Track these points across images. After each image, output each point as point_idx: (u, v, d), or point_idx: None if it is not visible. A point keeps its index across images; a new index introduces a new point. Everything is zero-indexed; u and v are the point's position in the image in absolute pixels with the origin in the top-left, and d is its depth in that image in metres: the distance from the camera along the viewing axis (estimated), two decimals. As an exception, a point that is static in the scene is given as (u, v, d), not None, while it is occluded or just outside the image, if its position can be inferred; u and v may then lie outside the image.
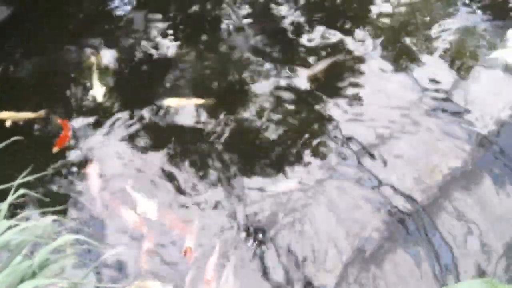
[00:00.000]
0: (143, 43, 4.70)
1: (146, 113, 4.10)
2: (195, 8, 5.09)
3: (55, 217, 2.08)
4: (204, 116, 4.07)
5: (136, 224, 3.36)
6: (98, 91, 4.24)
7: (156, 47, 4.66)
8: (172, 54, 4.59)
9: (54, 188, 3.62)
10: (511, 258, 3.21)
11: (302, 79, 4.35)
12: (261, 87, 4.30)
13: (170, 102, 4.17)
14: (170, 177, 3.66)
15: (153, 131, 3.99)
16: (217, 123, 4.02)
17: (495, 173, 3.67)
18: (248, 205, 3.49)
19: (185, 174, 3.68)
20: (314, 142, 3.87)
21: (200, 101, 4.15)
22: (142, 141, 3.91)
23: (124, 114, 4.09)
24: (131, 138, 3.93)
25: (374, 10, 5.05)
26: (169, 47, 4.65)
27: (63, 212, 3.38)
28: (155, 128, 4.01)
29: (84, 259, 3.07)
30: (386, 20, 4.93)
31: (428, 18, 4.90)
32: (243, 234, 3.32)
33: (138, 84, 4.41)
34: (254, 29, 4.85)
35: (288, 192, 3.55)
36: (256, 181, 3.64)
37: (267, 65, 4.49)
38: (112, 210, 3.46)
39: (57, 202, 3.07)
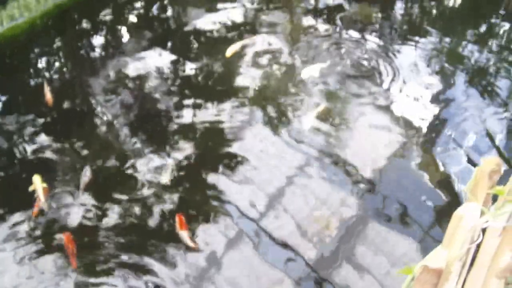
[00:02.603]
0: (18, 145, 4.66)
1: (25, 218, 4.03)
2: (66, 104, 5.16)
3: None
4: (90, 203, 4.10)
5: None
6: None
7: (31, 146, 4.63)
8: (49, 152, 4.57)
9: None
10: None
11: (181, 154, 4.49)
12: (142, 171, 4.36)
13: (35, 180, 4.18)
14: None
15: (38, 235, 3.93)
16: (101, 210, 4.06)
17: (383, 217, 3.93)
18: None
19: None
20: (205, 215, 3.99)
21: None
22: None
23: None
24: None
25: (245, 81, 5.33)
26: (45, 145, 4.64)
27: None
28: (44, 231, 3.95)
29: None
30: (257, 89, 5.22)
31: (298, 82, 5.26)
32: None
33: (15, 186, 4.37)
34: (127, 115, 4.96)
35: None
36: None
37: (145, 149, 4.57)
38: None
39: None
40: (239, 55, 5.73)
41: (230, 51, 5.65)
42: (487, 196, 1.65)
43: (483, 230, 1.69)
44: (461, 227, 1.50)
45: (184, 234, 3.80)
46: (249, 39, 5.91)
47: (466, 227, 1.49)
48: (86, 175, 4.34)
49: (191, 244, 3.76)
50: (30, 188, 4.18)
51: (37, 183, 4.18)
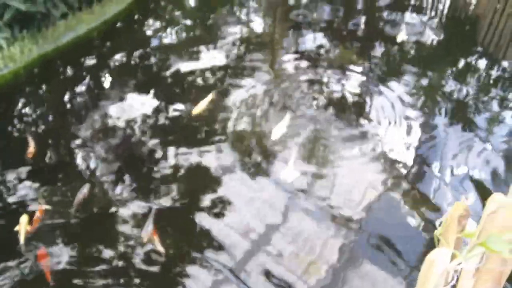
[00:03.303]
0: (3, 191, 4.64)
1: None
2: (50, 154, 5.15)
3: None
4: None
5: None
6: None
7: (14, 196, 4.57)
8: (31, 201, 4.50)
9: None
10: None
11: (164, 201, 4.47)
12: (126, 215, 4.35)
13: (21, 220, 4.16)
14: None
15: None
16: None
17: (371, 256, 3.93)
18: None
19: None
20: (189, 259, 3.96)
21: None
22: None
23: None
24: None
25: (226, 129, 5.38)
26: (28, 194, 4.58)
27: None
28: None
29: None
30: (236, 139, 5.25)
31: (273, 128, 5.29)
32: None
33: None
34: (111, 162, 4.97)
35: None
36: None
37: (128, 197, 4.55)
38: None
39: None
40: (218, 104, 5.80)
41: (196, 109, 5.59)
42: (457, 239, 1.67)
43: (459, 272, 1.71)
44: (432, 272, 1.51)
45: (155, 239, 4.02)
46: (213, 94, 5.85)
47: (437, 272, 1.50)
48: (82, 192, 4.40)
49: (160, 248, 3.97)
50: (16, 228, 4.13)
51: (22, 223, 4.15)
